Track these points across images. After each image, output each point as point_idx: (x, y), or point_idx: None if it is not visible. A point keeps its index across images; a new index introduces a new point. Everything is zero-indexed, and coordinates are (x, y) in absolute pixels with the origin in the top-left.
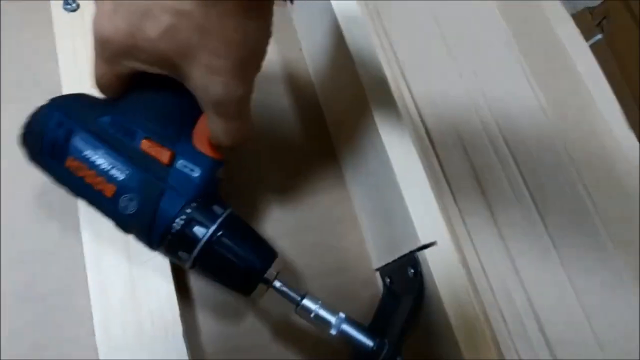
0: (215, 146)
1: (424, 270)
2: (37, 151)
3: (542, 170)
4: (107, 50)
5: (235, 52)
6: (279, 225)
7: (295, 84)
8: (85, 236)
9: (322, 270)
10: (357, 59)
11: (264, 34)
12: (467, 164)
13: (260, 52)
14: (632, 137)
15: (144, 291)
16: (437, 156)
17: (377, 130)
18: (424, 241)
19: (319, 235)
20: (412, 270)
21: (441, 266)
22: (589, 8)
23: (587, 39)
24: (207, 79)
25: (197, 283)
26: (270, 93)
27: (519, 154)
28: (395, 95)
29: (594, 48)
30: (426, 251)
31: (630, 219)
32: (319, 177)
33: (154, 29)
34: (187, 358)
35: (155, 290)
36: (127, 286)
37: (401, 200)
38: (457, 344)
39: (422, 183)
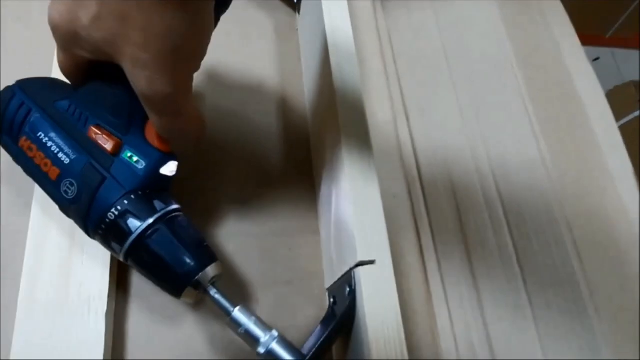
0: (164, 140)
1: (357, 290)
2: None
3: (532, 224)
4: (57, 37)
5: (157, 45)
6: (237, 229)
7: (288, 99)
8: (35, 210)
9: (273, 280)
10: (337, 83)
11: (193, 30)
12: (454, 207)
13: (190, 50)
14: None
15: (79, 267)
16: (424, 196)
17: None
18: (362, 258)
19: (277, 245)
20: (348, 289)
21: (374, 288)
22: (633, 82)
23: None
24: (133, 72)
25: (137, 277)
26: (262, 103)
27: (510, 204)
28: (391, 125)
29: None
30: (361, 270)
31: (620, 287)
32: (291, 192)
33: (86, 16)
34: (103, 338)
35: (90, 269)
36: (63, 260)
37: (350, 220)
38: None
39: (375, 208)
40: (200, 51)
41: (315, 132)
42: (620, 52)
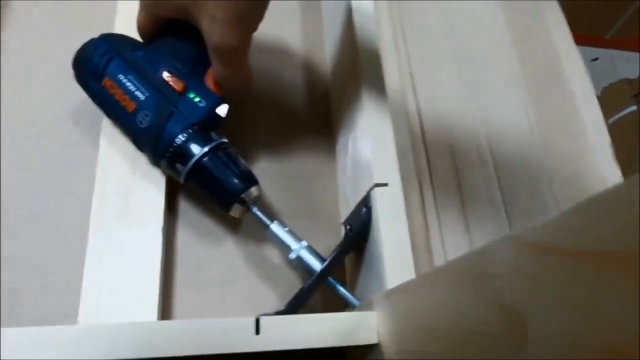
0: (222, 88)
1: (373, 207)
2: (83, 72)
3: (518, 179)
4: (145, 1)
5: (231, 6)
6: (264, 169)
7: (311, 58)
8: (103, 143)
9: (291, 214)
10: (360, 42)
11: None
12: (451, 161)
13: (257, 13)
14: (617, 172)
15: (139, 189)
16: (427, 154)
17: (362, 102)
18: (377, 182)
19: (296, 184)
20: (364, 209)
21: (388, 205)
22: (627, 79)
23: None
24: (209, 26)
25: (184, 201)
26: (286, 62)
27: (501, 164)
28: (399, 91)
29: (628, 118)
30: (377, 190)
31: None
32: (311, 138)
33: None
34: (160, 248)
35: (148, 190)
36: (126, 183)
37: (369, 153)
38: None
39: (387, 140)
40: (261, 14)
41: (335, 86)
42: (618, 54)
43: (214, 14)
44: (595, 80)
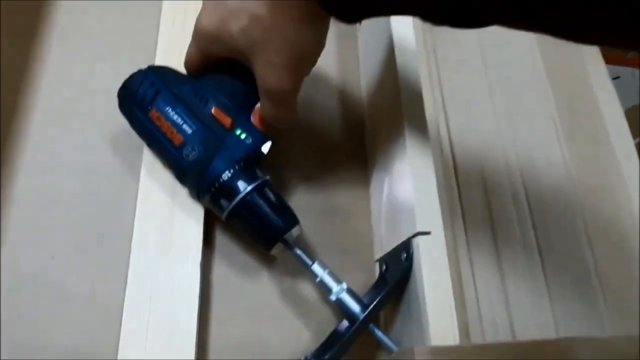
0: (266, 125)
1: (415, 255)
2: (129, 101)
3: (552, 219)
4: (199, 38)
5: (290, 53)
6: (300, 202)
7: (346, 91)
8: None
9: (325, 251)
10: (402, 82)
11: (318, 43)
12: (484, 199)
13: (311, 58)
14: None
15: (178, 223)
16: (459, 188)
17: (404, 143)
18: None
19: (331, 219)
20: (405, 255)
21: (431, 254)
22: None
23: None
24: (264, 70)
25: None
26: (322, 94)
27: (534, 200)
28: (433, 124)
29: None
30: (420, 238)
31: (625, 279)
32: (346, 172)
33: (235, 26)
34: (198, 282)
35: (187, 224)
36: (166, 216)
37: (410, 198)
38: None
39: (430, 187)
40: (315, 60)
41: (371, 122)
42: None
43: (271, 59)
44: None
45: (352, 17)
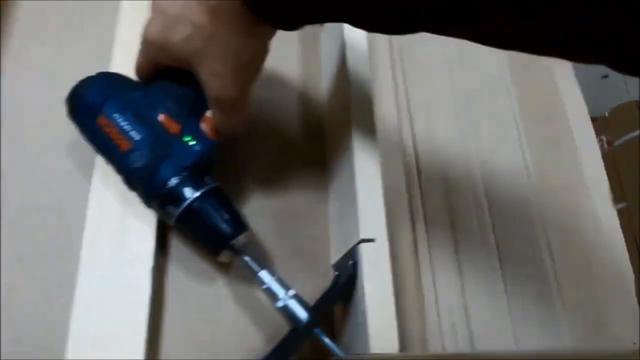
0: (215, 131)
1: (359, 263)
2: (77, 108)
3: (512, 222)
4: (147, 47)
5: (233, 61)
6: (257, 205)
7: (308, 94)
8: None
9: (282, 255)
10: (352, 85)
11: (260, 50)
12: (446, 204)
13: (255, 64)
14: (613, 216)
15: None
16: (421, 193)
17: (351, 148)
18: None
19: (288, 223)
20: (351, 262)
21: (374, 262)
22: (637, 102)
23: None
24: (209, 79)
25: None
26: (284, 97)
27: (495, 205)
28: (397, 128)
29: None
30: (363, 246)
31: (584, 283)
32: (305, 176)
33: (177, 35)
34: (149, 288)
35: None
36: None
37: (355, 203)
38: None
39: (376, 194)
40: (260, 67)
41: (330, 125)
42: None
43: (215, 68)
44: (604, 100)
45: (288, 24)
